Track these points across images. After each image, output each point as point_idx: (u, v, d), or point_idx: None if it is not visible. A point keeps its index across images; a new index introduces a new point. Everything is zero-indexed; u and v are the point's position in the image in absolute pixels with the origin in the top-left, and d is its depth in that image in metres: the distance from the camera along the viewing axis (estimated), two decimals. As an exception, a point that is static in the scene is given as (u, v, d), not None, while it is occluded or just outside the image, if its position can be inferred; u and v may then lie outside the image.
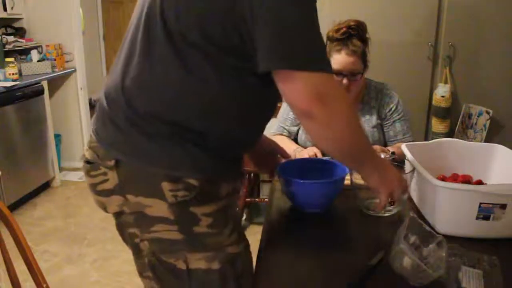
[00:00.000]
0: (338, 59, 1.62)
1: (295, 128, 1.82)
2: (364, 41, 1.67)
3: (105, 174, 0.91)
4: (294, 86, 0.82)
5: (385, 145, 1.77)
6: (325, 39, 1.75)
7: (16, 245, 1.17)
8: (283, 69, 0.81)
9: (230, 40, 0.82)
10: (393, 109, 1.75)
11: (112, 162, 0.89)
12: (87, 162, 0.96)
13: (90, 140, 0.97)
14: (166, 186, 0.86)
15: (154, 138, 0.87)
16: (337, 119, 0.86)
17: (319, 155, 1.60)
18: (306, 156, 1.58)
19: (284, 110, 1.87)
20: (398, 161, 1.35)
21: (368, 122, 1.74)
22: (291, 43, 0.79)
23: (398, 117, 1.75)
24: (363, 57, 1.66)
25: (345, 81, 1.63)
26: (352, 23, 1.63)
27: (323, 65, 0.83)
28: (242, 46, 0.83)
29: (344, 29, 1.62)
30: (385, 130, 1.77)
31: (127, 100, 0.89)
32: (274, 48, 0.80)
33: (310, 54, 0.82)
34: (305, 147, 1.69)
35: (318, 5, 0.83)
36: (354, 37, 1.63)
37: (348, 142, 0.91)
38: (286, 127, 1.83)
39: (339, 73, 1.63)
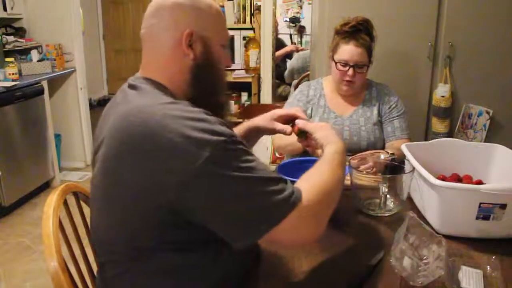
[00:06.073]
0: (346, 49, 1.67)
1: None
2: (371, 37, 1.73)
3: None
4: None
5: (383, 141, 1.80)
6: (333, 33, 1.78)
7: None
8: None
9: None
10: (392, 106, 1.79)
11: None
12: None
13: None
14: None
15: None
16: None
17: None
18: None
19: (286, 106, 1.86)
20: (398, 160, 1.35)
21: (369, 119, 1.78)
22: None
23: (397, 114, 1.79)
24: (369, 51, 1.70)
25: (350, 71, 1.67)
26: (360, 19, 1.70)
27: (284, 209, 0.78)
28: None
29: (353, 23, 1.68)
30: (383, 127, 1.80)
31: None
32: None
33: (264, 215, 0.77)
34: None
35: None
36: (362, 32, 1.69)
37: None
38: None
39: (345, 63, 1.67)
